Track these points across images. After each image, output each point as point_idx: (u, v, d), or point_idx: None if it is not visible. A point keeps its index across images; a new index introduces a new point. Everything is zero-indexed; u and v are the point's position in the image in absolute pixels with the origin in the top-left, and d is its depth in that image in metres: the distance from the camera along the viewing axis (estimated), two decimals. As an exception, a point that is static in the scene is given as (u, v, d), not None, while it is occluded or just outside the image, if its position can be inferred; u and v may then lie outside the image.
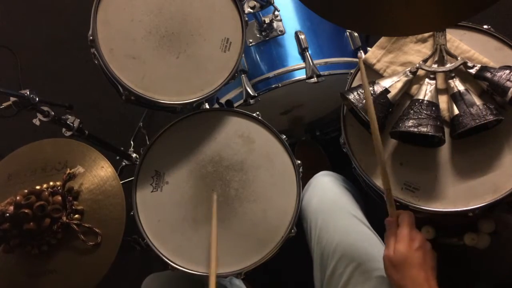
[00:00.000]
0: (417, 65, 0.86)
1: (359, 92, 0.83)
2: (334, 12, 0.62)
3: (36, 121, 0.94)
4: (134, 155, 1.38)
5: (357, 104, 0.82)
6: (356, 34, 1.10)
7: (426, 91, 0.83)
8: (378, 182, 0.85)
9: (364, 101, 0.82)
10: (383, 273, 0.80)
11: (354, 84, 0.92)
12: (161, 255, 0.87)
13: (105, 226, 0.87)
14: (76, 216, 0.88)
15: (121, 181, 0.93)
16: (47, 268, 0.86)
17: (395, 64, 0.91)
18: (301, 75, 1.03)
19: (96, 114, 1.69)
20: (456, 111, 0.80)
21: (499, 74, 0.78)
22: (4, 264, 0.87)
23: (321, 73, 1.01)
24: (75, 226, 0.86)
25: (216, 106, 1.07)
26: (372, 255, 0.83)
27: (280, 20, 1.09)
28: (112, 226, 0.87)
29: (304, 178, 0.94)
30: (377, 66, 0.91)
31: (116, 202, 0.89)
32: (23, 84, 1.77)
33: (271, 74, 1.05)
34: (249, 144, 0.94)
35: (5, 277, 0.87)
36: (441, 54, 0.87)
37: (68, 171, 0.91)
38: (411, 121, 0.79)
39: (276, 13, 1.07)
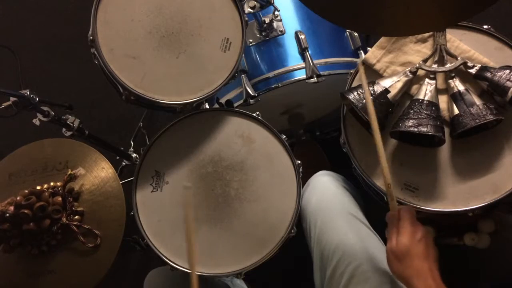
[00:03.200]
0: (417, 65, 0.86)
1: (359, 92, 0.83)
2: (334, 12, 0.62)
3: (36, 121, 0.94)
4: (134, 155, 1.38)
5: (357, 104, 0.82)
6: (356, 34, 1.10)
7: (426, 91, 0.83)
8: (378, 182, 0.85)
9: (364, 100, 0.82)
10: (384, 272, 0.80)
11: (354, 84, 0.92)
12: (161, 255, 0.87)
13: (105, 228, 0.87)
14: (76, 217, 0.88)
15: (121, 181, 0.93)
16: (46, 269, 0.86)
17: (395, 64, 0.91)
18: (301, 75, 1.03)
19: (96, 114, 1.69)
20: (456, 111, 0.80)
21: (499, 74, 0.78)
22: (4, 264, 0.87)
23: (321, 73, 1.01)
24: (74, 228, 0.86)
25: (216, 106, 1.07)
26: (373, 255, 0.83)
27: (280, 20, 1.09)
28: (112, 228, 0.87)
29: (304, 178, 0.94)
30: (377, 66, 0.91)
31: (116, 204, 0.89)
32: (23, 84, 1.77)
33: (271, 74, 1.05)
34: (249, 144, 0.94)
35: (5, 277, 0.87)
36: (441, 54, 0.87)
37: (69, 171, 0.91)
38: (411, 121, 0.79)
39: (276, 13, 1.07)
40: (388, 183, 0.73)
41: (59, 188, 0.89)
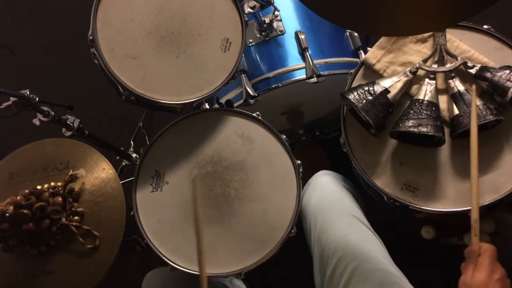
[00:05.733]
0: (417, 65, 0.86)
1: (359, 92, 0.83)
2: (334, 12, 0.61)
3: (36, 121, 0.94)
4: (134, 155, 1.37)
5: (357, 104, 0.82)
6: (356, 34, 1.10)
7: (426, 91, 0.83)
8: (378, 182, 0.85)
9: (364, 101, 0.82)
10: (383, 272, 0.80)
11: (354, 84, 0.92)
12: (161, 255, 0.87)
13: (105, 229, 0.87)
14: (76, 218, 0.88)
15: (121, 181, 0.93)
16: (45, 269, 0.86)
17: (395, 64, 0.91)
18: (301, 75, 1.03)
19: (96, 114, 1.69)
20: (456, 111, 0.80)
21: (499, 74, 0.78)
22: (2, 264, 0.87)
23: (321, 73, 1.01)
24: (74, 228, 0.86)
25: (216, 106, 1.07)
26: (372, 255, 0.83)
27: (280, 20, 1.09)
28: (111, 229, 0.87)
29: (304, 178, 0.94)
30: (377, 66, 0.91)
31: (116, 205, 0.89)
32: (23, 84, 1.77)
33: (271, 74, 1.05)
34: (249, 144, 0.94)
35: (3, 277, 0.87)
36: (441, 54, 0.87)
37: (70, 172, 0.91)
38: (411, 121, 0.79)
39: (276, 13, 1.07)
40: (475, 217, 0.70)
41: (60, 189, 0.89)
